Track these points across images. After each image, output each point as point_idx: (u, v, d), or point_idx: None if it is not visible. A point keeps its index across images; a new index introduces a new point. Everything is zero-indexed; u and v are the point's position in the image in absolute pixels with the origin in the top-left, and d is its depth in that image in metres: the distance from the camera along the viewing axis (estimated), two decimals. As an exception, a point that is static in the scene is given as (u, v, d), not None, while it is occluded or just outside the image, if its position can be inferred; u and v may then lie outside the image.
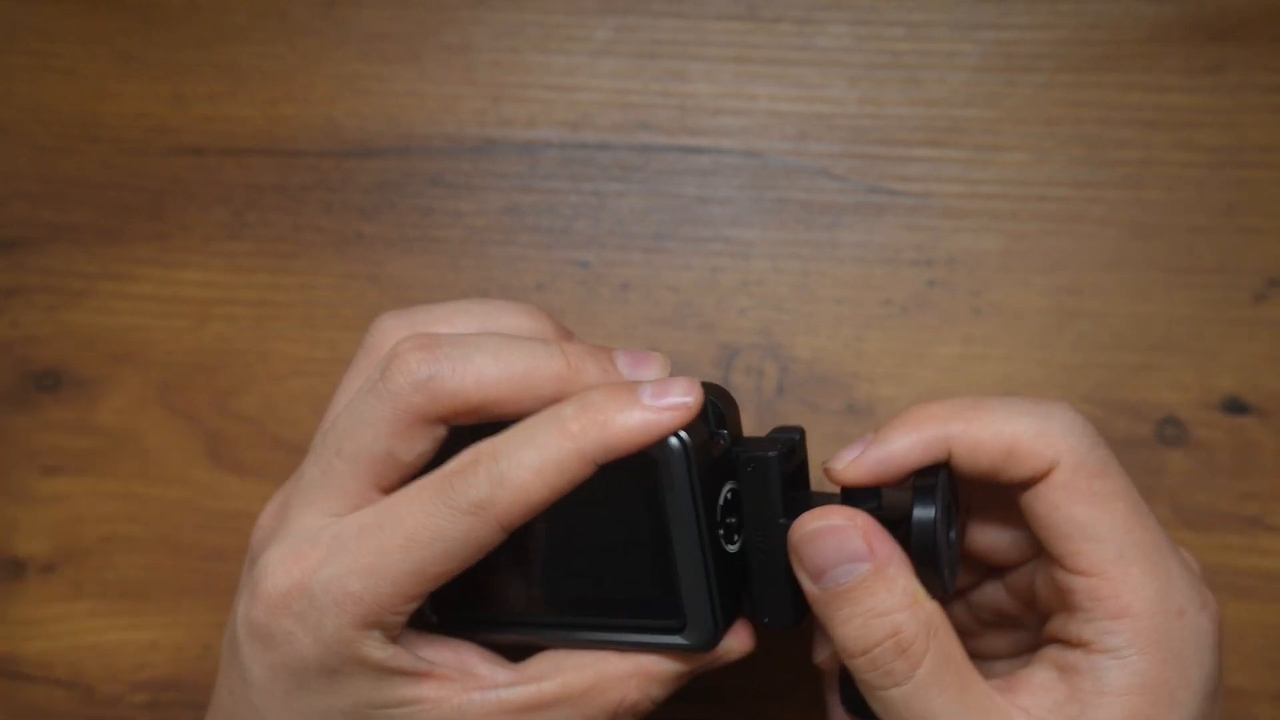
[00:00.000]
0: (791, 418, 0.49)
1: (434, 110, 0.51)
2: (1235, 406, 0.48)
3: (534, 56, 0.51)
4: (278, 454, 0.50)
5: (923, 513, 0.34)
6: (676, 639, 0.36)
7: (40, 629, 0.50)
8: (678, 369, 0.50)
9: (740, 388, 0.49)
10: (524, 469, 0.34)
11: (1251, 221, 0.49)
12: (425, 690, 0.36)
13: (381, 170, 0.51)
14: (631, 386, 0.35)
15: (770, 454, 0.36)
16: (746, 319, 0.50)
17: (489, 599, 0.39)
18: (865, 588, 0.34)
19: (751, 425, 0.49)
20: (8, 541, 0.50)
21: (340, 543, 0.36)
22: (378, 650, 0.36)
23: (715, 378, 0.49)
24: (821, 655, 0.40)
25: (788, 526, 0.36)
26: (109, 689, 0.50)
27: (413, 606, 0.36)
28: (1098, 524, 0.34)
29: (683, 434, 0.35)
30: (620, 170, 0.51)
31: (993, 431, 0.35)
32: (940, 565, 0.34)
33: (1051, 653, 0.36)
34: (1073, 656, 0.35)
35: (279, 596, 0.36)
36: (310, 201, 0.51)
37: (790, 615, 0.37)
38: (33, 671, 0.50)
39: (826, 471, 0.36)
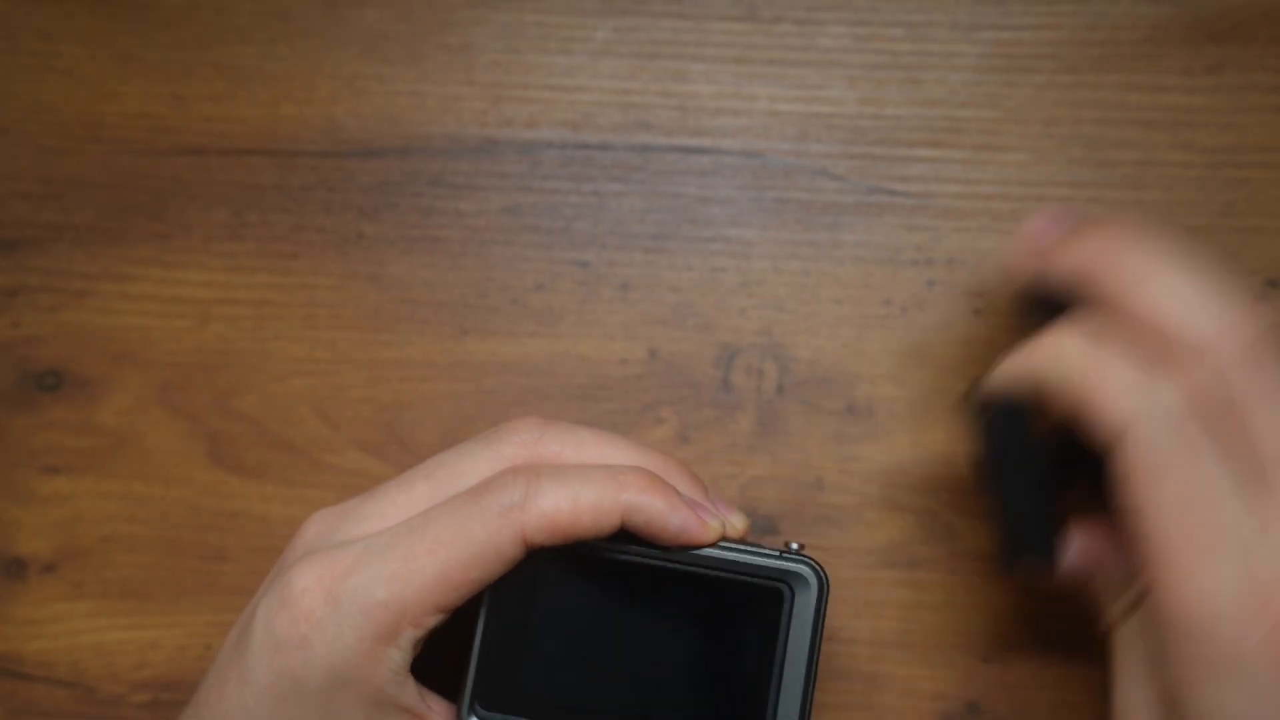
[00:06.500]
0: (791, 417, 0.49)
1: (434, 110, 0.51)
2: (1235, 406, 0.48)
3: (534, 57, 0.51)
4: (278, 454, 0.50)
5: None
6: None
7: (41, 629, 0.50)
8: (678, 368, 0.50)
9: (740, 388, 0.49)
10: (562, 490, 0.36)
11: (1251, 221, 0.49)
12: None
13: (382, 170, 0.51)
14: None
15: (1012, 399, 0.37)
16: (746, 319, 0.50)
17: (551, 687, 0.38)
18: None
19: (752, 425, 0.49)
20: (8, 541, 0.51)
21: (371, 551, 0.36)
22: (390, 672, 0.36)
23: (715, 378, 0.49)
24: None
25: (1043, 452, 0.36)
26: (109, 689, 0.50)
27: (434, 621, 0.36)
28: None
29: (820, 571, 0.36)
30: (620, 170, 0.51)
31: None
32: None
33: None
34: None
35: (305, 603, 0.36)
36: (311, 202, 0.51)
37: (1049, 548, 0.36)
38: (33, 671, 0.50)
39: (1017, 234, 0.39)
